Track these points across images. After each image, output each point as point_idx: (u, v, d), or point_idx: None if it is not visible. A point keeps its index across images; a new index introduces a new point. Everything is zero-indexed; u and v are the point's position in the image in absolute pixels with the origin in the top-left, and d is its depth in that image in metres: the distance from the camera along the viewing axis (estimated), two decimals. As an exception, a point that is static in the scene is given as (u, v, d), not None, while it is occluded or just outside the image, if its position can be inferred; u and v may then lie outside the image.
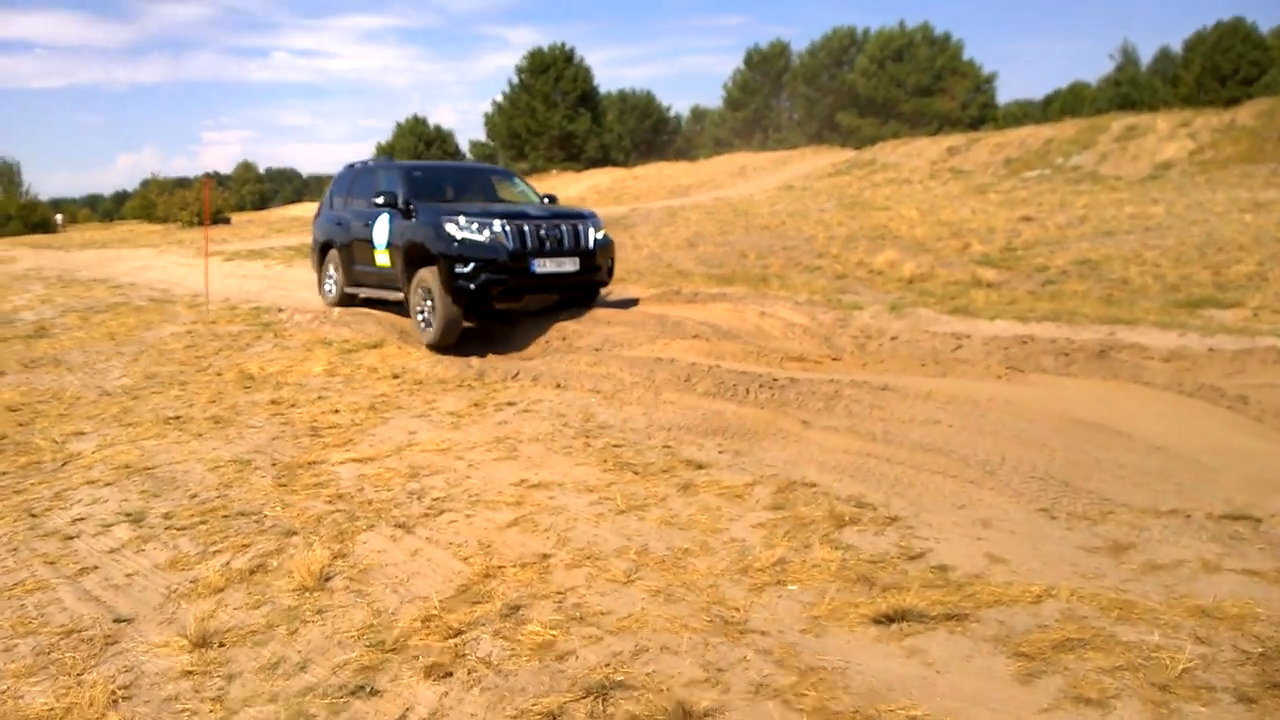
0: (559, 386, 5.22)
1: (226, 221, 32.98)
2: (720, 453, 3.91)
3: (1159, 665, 2.10)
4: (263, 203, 63.69)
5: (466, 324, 7.72)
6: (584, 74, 46.52)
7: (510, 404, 4.94)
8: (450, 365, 6.07)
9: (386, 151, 52.59)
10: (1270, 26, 48.12)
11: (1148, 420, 3.81)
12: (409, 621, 2.56)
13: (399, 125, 50.66)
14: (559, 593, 2.69)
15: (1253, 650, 2.15)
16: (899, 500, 3.28)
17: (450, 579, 2.83)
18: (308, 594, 2.77)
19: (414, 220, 7.84)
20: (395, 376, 5.89)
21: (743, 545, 2.97)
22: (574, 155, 44.63)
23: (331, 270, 9.77)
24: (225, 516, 3.47)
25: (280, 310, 9.65)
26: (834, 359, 5.38)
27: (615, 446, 4.07)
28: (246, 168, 75.60)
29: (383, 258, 8.29)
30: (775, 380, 4.71)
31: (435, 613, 2.59)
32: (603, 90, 49.82)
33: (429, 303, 7.48)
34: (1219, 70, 45.52)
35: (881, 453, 3.68)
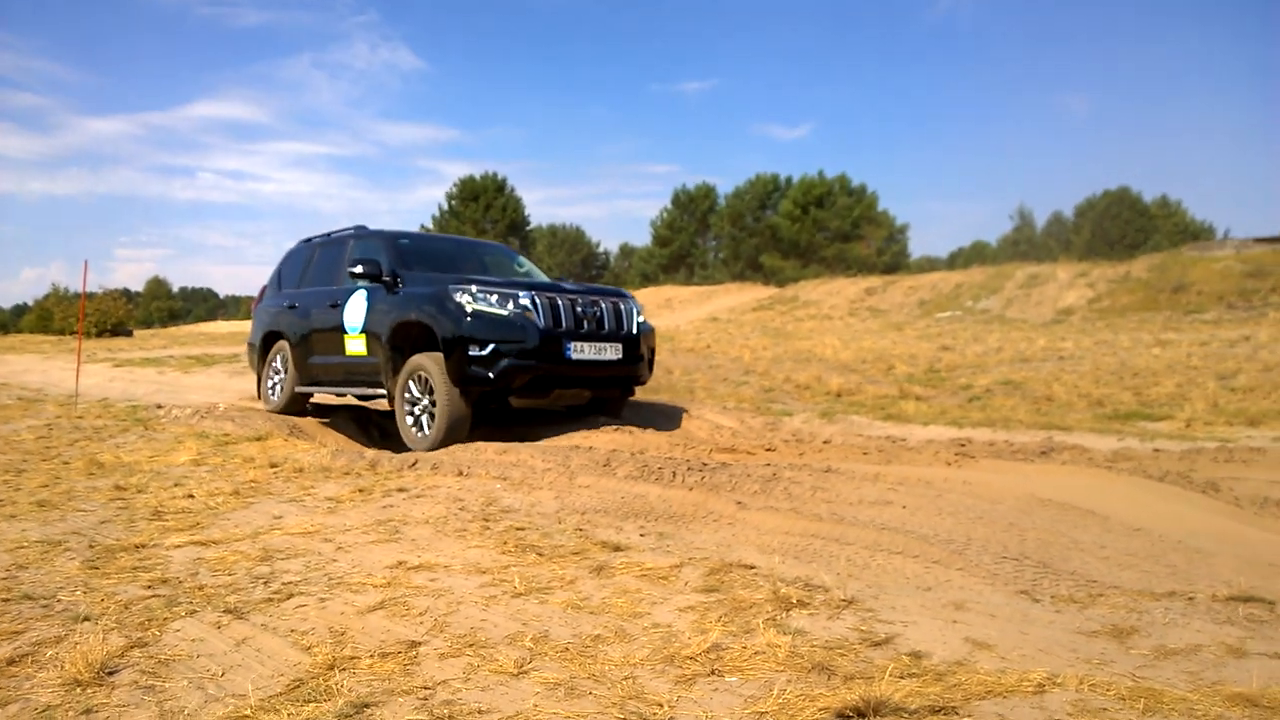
0: (461, 474, 4.58)
1: (128, 333, 31.44)
2: (642, 535, 3.32)
3: (1219, 766, 1.57)
4: (172, 319, 61.64)
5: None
6: (515, 204, 47.43)
7: (401, 490, 4.27)
8: (339, 455, 5.37)
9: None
10: (1153, 195, 52.68)
11: (1120, 502, 3.41)
12: (209, 725, 1.85)
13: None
14: (425, 688, 2.02)
15: (1328, 745, 1.65)
16: (855, 582, 2.73)
17: (282, 672, 2.13)
18: (77, 690, 2.03)
19: (404, 293, 6.33)
20: (273, 465, 5.14)
21: (668, 631, 2.36)
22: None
23: (278, 366, 7.90)
24: (4, 600, 2.69)
25: (159, 407, 8.76)
26: (768, 449, 4.90)
27: (518, 530, 3.44)
28: (158, 284, 73.59)
29: (356, 344, 6.68)
30: (705, 464, 4.19)
31: (249, 714, 1.89)
32: (534, 223, 50.77)
33: (426, 398, 6.00)
34: (1108, 235, 49.25)
35: (829, 533, 3.15)
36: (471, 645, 2.27)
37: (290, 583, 2.83)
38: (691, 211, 54.28)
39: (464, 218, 46.22)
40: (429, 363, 5.99)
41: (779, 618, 2.43)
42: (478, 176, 47.83)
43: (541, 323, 5.86)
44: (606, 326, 6.21)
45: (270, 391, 8.08)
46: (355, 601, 2.60)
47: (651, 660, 2.17)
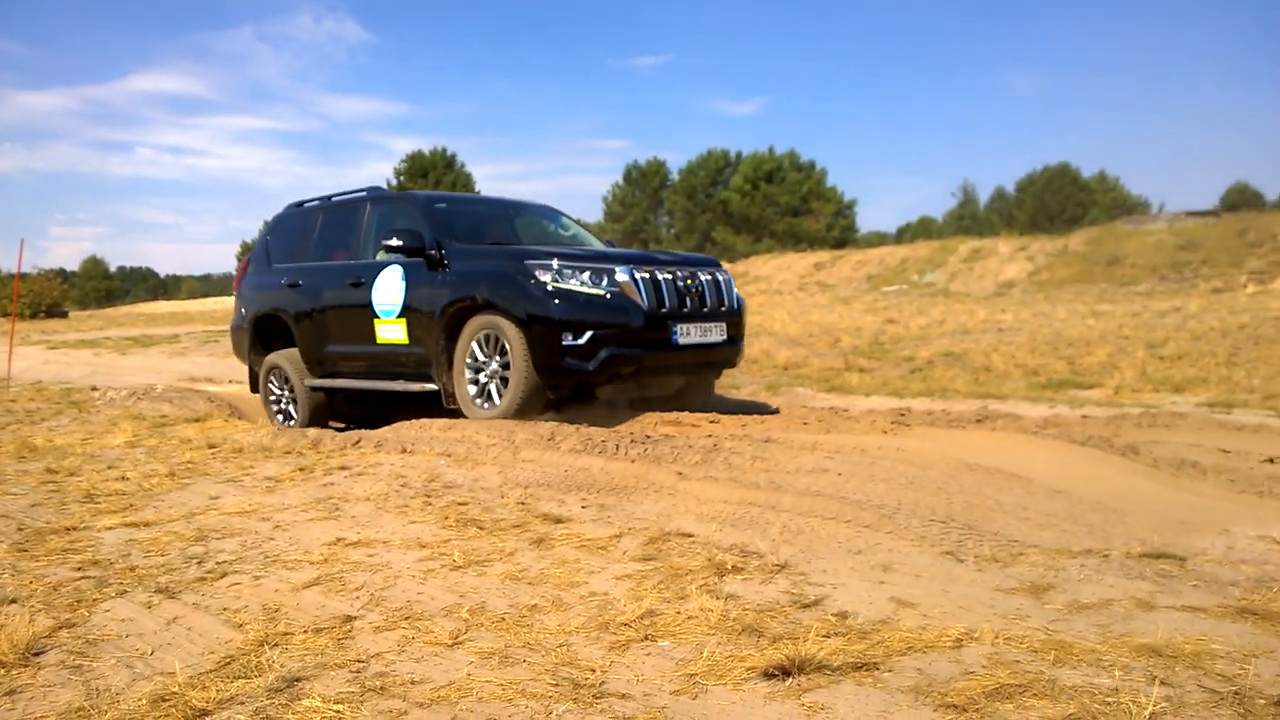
0: (405, 451, 4.56)
1: (64, 315, 30.45)
2: (584, 507, 3.36)
3: (1121, 711, 1.66)
4: (109, 300, 59.73)
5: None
6: (465, 179, 46.79)
7: (344, 468, 4.24)
8: (280, 434, 5.29)
9: (252, 249, 50.48)
10: (1092, 171, 54.02)
11: (1044, 466, 3.54)
12: (134, 703, 1.84)
13: (266, 223, 49.18)
14: (358, 661, 2.03)
15: (1222, 689, 1.75)
16: (788, 547, 2.80)
17: (212, 650, 2.12)
18: (1, 672, 2.00)
19: (456, 270, 5.37)
20: (211, 446, 5.06)
21: (604, 599, 2.40)
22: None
23: (281, 360, 6.71)
24: (-76, 587, 2.62)
25: (94, 389, 8.52)
26: (711, 421, 4.96)
27: (460, 504, 3.45)
28: (95, 263, 71.21)
29: (392, 330, 5.72)
30: (649, 437, 4.23)
31: (176, 690, 1.88)
32: (483, 200, 50.09)
33: (495, 362, 5.14)
34: (1048, 209, 50.36)
35: (766, 501, 3.22)
36: (407, 618, 2.28)
37: (225, 562, 2.81)
38: (644, 187, 54.16)
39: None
40: (504, 323, 5.08)
41: (713, 583, 2.48)
42: (427, 151, 47.03)
43: (645, 302, 5.01)
44: (709, 303, 5.40)
45: (282, 415, 6.73)
46: (290, 579, 2.59)
47: (587, 628, 2.21)
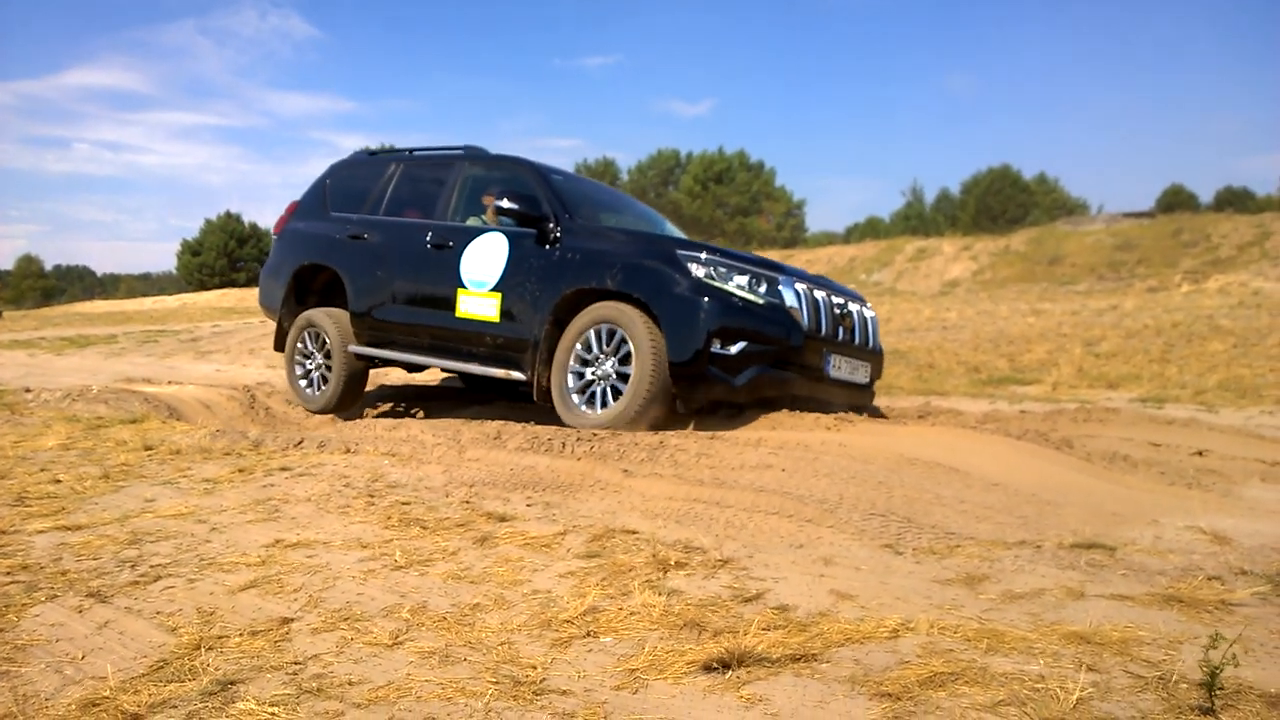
0: (349, 451, 4.49)
1: (-5, 315, 29.33)
2: (529, 505, 3.34)
3: (1049, 697, 1.71)
4: (45, 299, 57.78)
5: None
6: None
7: (285, 469, 4.15)
8: (220, 435, 5.17)
9: (193, 248, 48.93)
10: (1033, 173, 55.44)
11: (982, 459, 3.62)
12: (64, 708, 1.78)
13: (208, 222, 47.93)
14: (295, 663, 2.00)
15: (1147, 675, 1.81)
16: (732, 543, 2.83)
17: (145, 654, 2.07)
18: (-86, 685, 1.92)
19: (571, 248, 4.82)
20: (148, 448, 4.92)
21: (547, 597, 2.40)
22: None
23: (306, 342, 6.12)
24: None
25: (27, 390, 8.23)
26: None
27: (404, 504, 3.41)
28: (29, 261, 68.75)
29: (481, 305, 5.07)
30: (595, 435, 4.23)
31: (107, 695, 1.83)
32: (433, 198, 49.50)
33: (610, 361, 4.59)
34: (991, 210, 51.53)
35: (711, 497, 3.24)
36: (346, 619, 2.24)
37: (159, 565, 2.74)
38: (595, 186, 53.95)
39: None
40: (635, 315, 4.45)
41: (656, 579, 2.49)
42: (374, 149, 46.30)
43: (806, 322, 4.49)
44: (857, 338, 4.90)
45: (307, 382, 6.08)
46: (226, 581, 2.53)
47: (529, 625, 2.20)
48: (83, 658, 2.07)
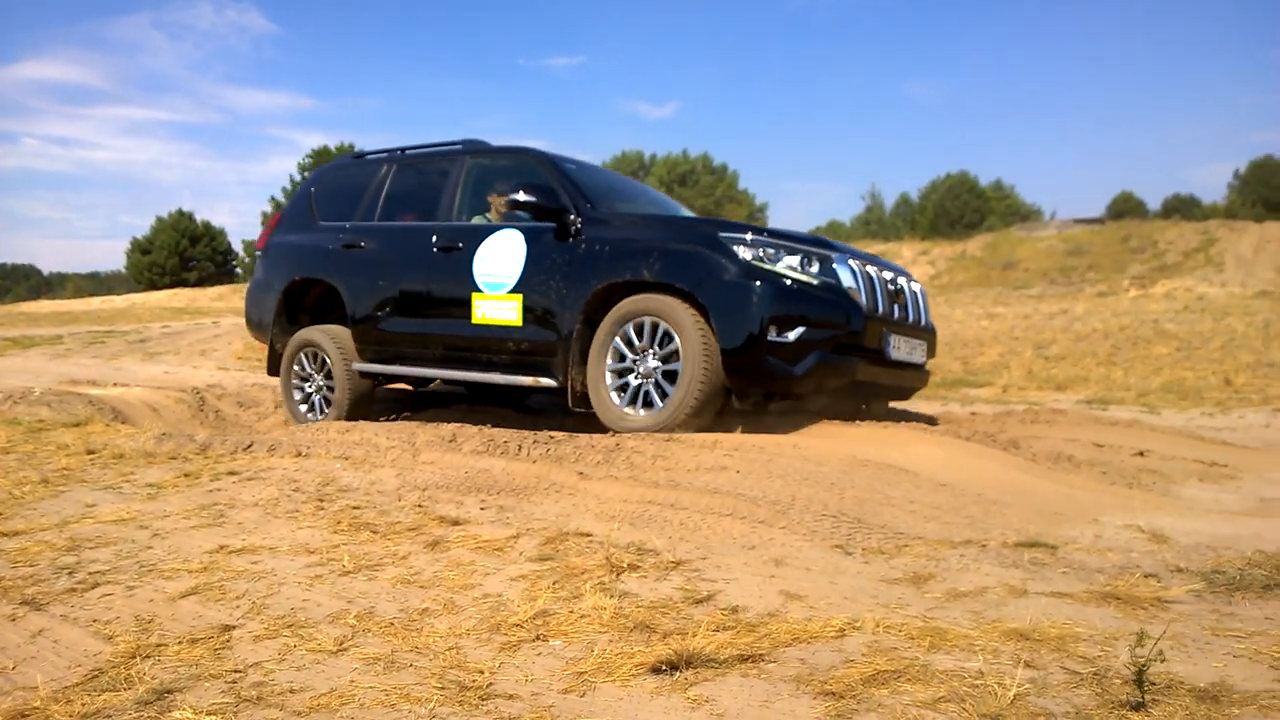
0: (300, 455, 4.42)
1: (-66, 315, 28.34)
2: (483, 508, 3.32)
3: (987, 693, 1.73)
4: (-14, 300, 56.05)
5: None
6: (372, 179, 45.63)
7: (232, 473, 4.07)
8: (166, 439, 5.06)
9: (143, 246, 47.77)
10: (989, 179, 56.59)
11: (931, 461, 3.68)
12: (-13, 723, 1.73)
13: (159, 220, 46.85)
14: (235, 671, 1.96)
15: (1083, 670, 1.85)
16: (685, 544, 2.84)
17: (79, 663, 2.02)
18: None
19: (598, 238, 4.51)
20: (90, 452, 4.79)
21: (498, 600, 2.38)
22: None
23: (305, 363, 5.75)
24: None
25: (-36, 393, 7.97)
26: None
27: (355, 508, 3.36)
28: (-30, 261, 66.58)
29: (501, 309, 4.72)
30: (552, 437, 4.21)
31: (38, 705, 1.78)
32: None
33: (653, 358, 4.25)
34: (949, 215, 52.45)
35: (666, 499, 3.25)
36: (290, 626, 2.21)
37: (97, 572, 2.67)
38: (557, 187, 53.81)
39: (318, 190, 44.07)
40: (677, 306, 4.13)
41: (608, 582, 2.49)
42: (333, 147, 45.70)
43: (864, 301, 4.21)
44: (911, 315, 4.63)
45: (307, 406, 5.75)
46: (166, 588, 2.48)
47: (478, 630, 2.18)
48: (14, 667, 2.01)
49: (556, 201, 4.67)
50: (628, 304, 4.37)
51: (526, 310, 4.70)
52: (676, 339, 4.18)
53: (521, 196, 4.60)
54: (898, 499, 3.20)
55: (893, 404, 5.08)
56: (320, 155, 45.18)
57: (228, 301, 32.57)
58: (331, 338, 5.67)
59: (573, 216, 4.64)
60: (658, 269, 4.30)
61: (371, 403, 5.74)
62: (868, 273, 4.35)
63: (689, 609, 2.30)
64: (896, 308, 4.55)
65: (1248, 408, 6.99)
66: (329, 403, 5.69)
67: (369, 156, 6.11)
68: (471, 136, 5.67)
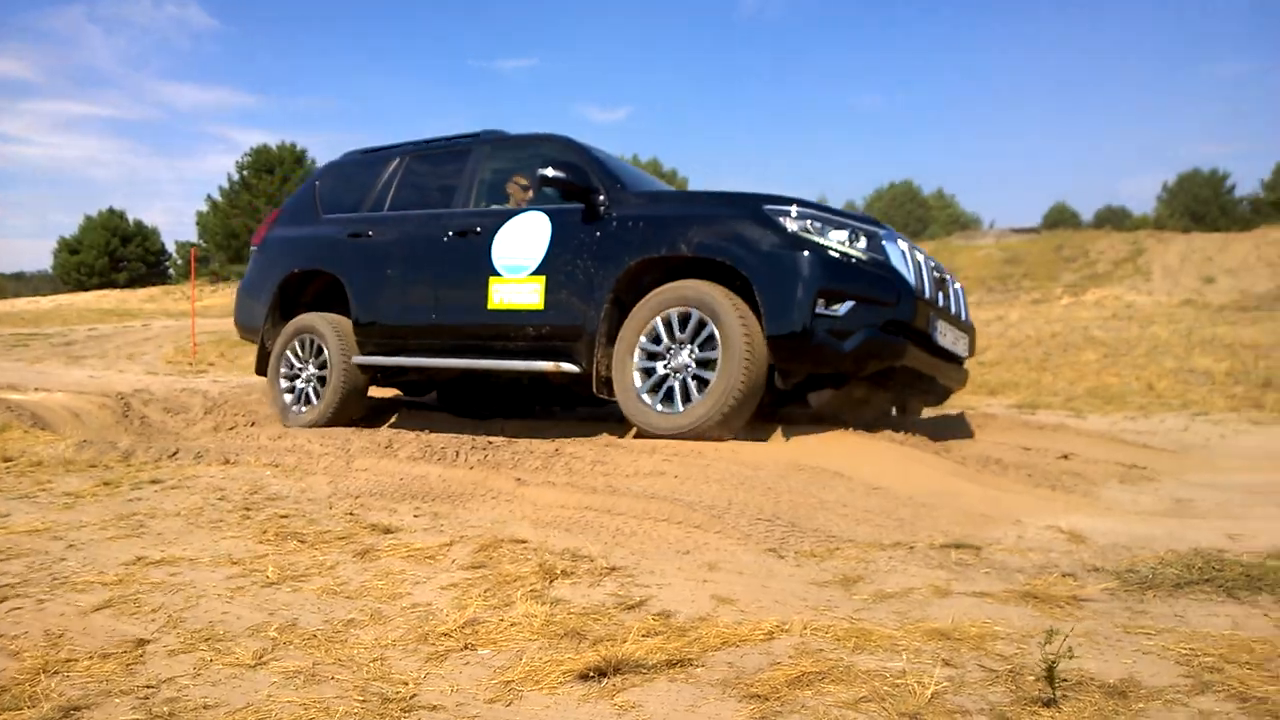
0: (228, 462, 4.30)
1: None
2: (416, 516, 3.27)
3: (906, 692, 1.77)
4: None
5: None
6: (315, 180, 44.67)
7: (155, 482, 3.95)
8: (86, 446, 4.88)
9: (71, 246, 46.15)
10: (931, 188, 57.94)
11: (865, 464, 3.74)
12: (-126, 748, 1.64)
13: (88, 218, 45.25)
14: (148, 686, 1.89)
15: (999, 668, 1.89)
16: (620, 550, 2.83)
17: (-21, 683, 1.92)
18: None
19: (629, 217, 4.34)
20: (6, 460, 4.60)
21: (427, 610, 2.35)
22: (301, 262, 42.16)
23: (299, 350, 5.53)
24: None
25: None
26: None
27: (282, 517, 3.28)
28: (-116, 262, 63.43)
29: (521, 292, 4.56)
30: (491, 443, 4.18)
31: (-71, 731, 1.69)
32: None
33: (686, 352, 4.08)
34: (893, 223, 53.51)
35: (603, 505, 3.24)
36: (208, 639, 2.14)
37: (6, 585, 2.55)
38: (505, 191, 53.45)
39: (257, 190, 43.07)
40: (713, 295, 3.96)
41: (541, 589, 2.47)
42: (274, 146, 44.69)
43: (913, 279, 4.03)
44: (953, 307, 4.50)
45: (296, 396, 5.48)
46: (79, 601, 2.38)
47: (404, 640, 2.15)
48: (-92, 689, 1.91)
49: (585, 181, 4.51)
50: (663, 291, 4.19)
51: (549, 292, 4.51)
52: (715, 331, 3.99)
53: (551, 172, 4.43)
54: (832, 502, 3.25)
55: (956, 381, 4.82)
56: (260, 154, 44.13)
57: (159, 303, 31.62)
58: (333, 325, 5.46)
59: (601, 196, 4.50)
60: (697, 243, 4.13)
61: (363, 400, 5.51)
62: (915, 255, 4.23)
63: (621, 615, 2.29)
64: (941, 295, 4.42)
65: (1168, 412, 7.26)
66: (318, 395, 5.42)
67: (377, 151, 5.96)
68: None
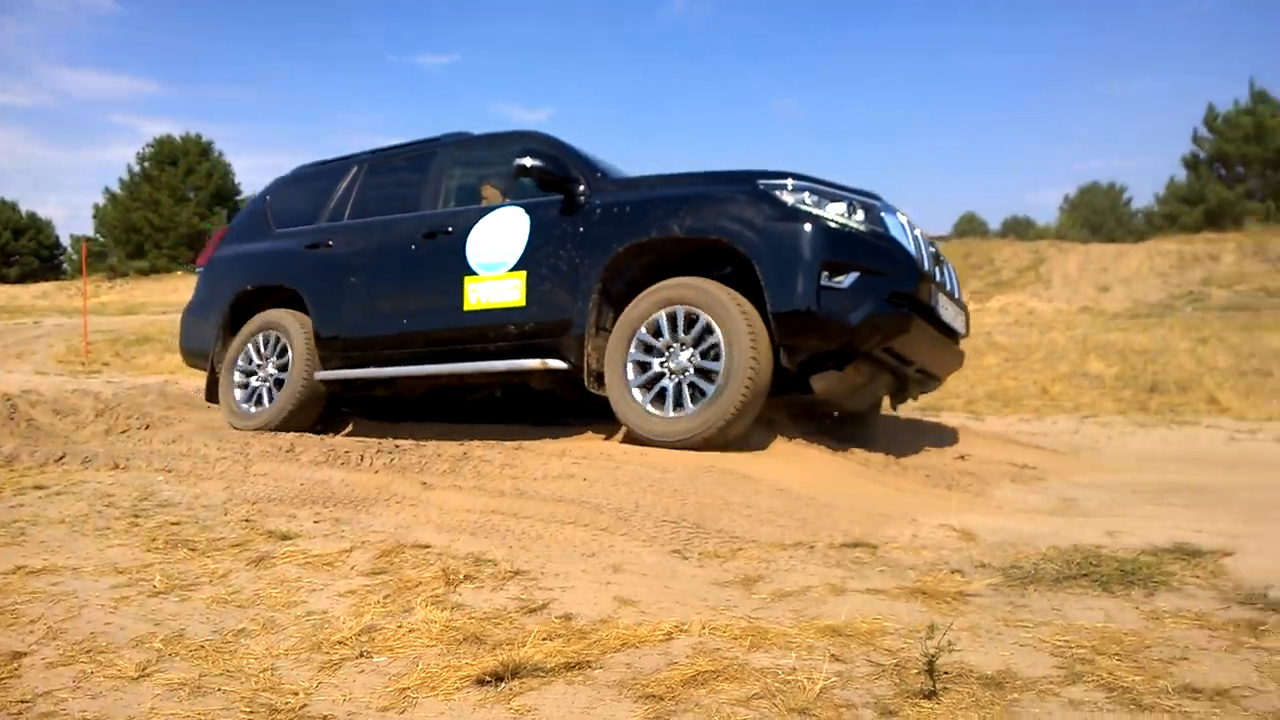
0: (117, 467, 4.11)
1: None
2: (316, 522, 3.19)
3: (797, 688, 1.82)
4: None
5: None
6: (222, 170, 43.07)
7: (40, 488, 3.75)
8: (-35, 450, 4.60)
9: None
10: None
11: (772, 466, 3.82)
12: None
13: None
14: (21, 702, 1.80)
15: (886, 663, 1.97)
16: (525, 554, 2.83)
17: None
18: None
19: (619, 202, 4.20)
20: None
21: (322, 618, 2.30)
22: (207, 258, 40.52)
23: (260, 346, 5.25)
24: None
25: None
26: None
27: (173, 524, 3.16)
28: None
29: (500, 290, 4.39)
30: (398, 446, 4.11)
31: None
32: (248, 192, 46.57)
33: (685, 354, 3.95)
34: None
35: (510, 508, 3.23)
36: (89, 651, 2.05)
37: None
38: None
39: (159, 182, 41.21)
40: (715, 294, 3.84)
41: (442, 594, 2.45)
42: (178, 137, 42.86)
43: (914, 251, 3.97)
44: (948, 284, 4.42)
45: (248, 394, 5.19)
46: (-55, 616, 2.25)
47: (297, 649, 2.10)
48: None
49: (564, 170, 4.39)
50: (658, 290, 4.05)
51: (531, 287, 4.34)
52: (718, 331, 3.85)
53: (529, 162, 4.26)
54: (737, 504, 3.31)
55: (954, 363, 4.79)
56: (163, 145, 42.24)
57: (52, 300, 29.99)
58: (302, 326, 5.16)
59: (582, 186, 4.37)
60: (689, 224, 4.00)
61: (321, 405, 5.22)
62: (913, 230, 4.18)
63: (522, 619, 2.29)
64: (939, 271, 4.38)
65: (1061, 414, 7.65)
66: (272, 396, 5.14)
67: (332, 162, 5.76)
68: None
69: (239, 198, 44.56)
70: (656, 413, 4.00)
